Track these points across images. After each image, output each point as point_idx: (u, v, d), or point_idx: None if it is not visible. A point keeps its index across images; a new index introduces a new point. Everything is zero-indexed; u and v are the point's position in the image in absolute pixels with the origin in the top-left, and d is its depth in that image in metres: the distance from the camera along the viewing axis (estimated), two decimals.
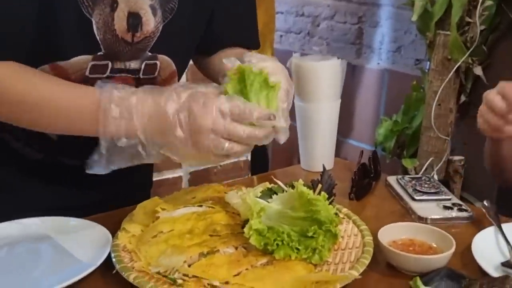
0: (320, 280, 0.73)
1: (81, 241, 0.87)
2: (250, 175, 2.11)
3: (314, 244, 0.77)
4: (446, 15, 1.83)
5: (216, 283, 0.72)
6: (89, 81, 0.87)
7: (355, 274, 0.75)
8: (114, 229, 0.88)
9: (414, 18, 1.92)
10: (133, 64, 0.92)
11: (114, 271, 0.77)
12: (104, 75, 0.90)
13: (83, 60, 0.87)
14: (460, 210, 1.01)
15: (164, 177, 1.97)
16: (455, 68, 1.83)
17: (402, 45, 2.42)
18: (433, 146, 1.94)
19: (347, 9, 2.63)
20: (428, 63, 2.02)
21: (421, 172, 1.90)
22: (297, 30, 2.93)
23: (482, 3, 1.75)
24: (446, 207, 1.02)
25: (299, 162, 1.31)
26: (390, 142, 2.09)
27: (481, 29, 1.80)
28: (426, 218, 0.98)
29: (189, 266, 0.75)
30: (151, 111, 0.78)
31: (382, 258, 0.83)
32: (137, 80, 0.93)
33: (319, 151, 1.24)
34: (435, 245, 0.84)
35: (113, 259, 0.79)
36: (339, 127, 1.27)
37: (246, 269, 0.75)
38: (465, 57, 1.81)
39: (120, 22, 0.86)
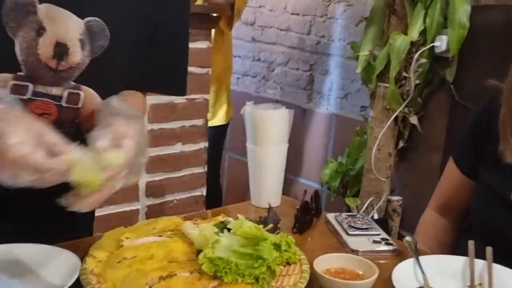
0: None
1: (52, 265, 0.93)
2: (205, 209, 2.22)
3: (258, 273, 0.89)
4: (386, 69, 2.00)
5: None
6: None
7: None
8: (82, 255, 0.94)
9: (358, 70, 2.10)
10: (55, 90, 0.93)
11: None
12: (26, 97, 0.92)
13: (2, 78, 0.90)
14: (387, 244, 1.16)
15: (121, 209, 2.03)
16: (393, 117, 2.00)
17: (349, 92, 2.58)
18: (374, 187, 2.08)
19: (300, 57, 2.80)
20: (372, 110, 2.21)
21: (362, 210, 2.05)
22: (253, 73, 3.08)
23: (417, 60, 1.94)
24: (375, 241, 1.17)
25: (250, 198, 1.42)
26: (335, 182, 2.22)
27: (416, 83, 1.98)
28: (358, 251, 1.12)
29: (150, 287, 0.86)
30: None
31: (317, 283, 0.95)
32: (60, 108, 0.95)
33: (267, 189, 1.36)
34: (362, 273, 0.98)
35: (82, 282, 0.88)
36: (290, 167, 1.38)
37: None
38: (402, 107, 1.99)
39: (45, 48, 0.89)
